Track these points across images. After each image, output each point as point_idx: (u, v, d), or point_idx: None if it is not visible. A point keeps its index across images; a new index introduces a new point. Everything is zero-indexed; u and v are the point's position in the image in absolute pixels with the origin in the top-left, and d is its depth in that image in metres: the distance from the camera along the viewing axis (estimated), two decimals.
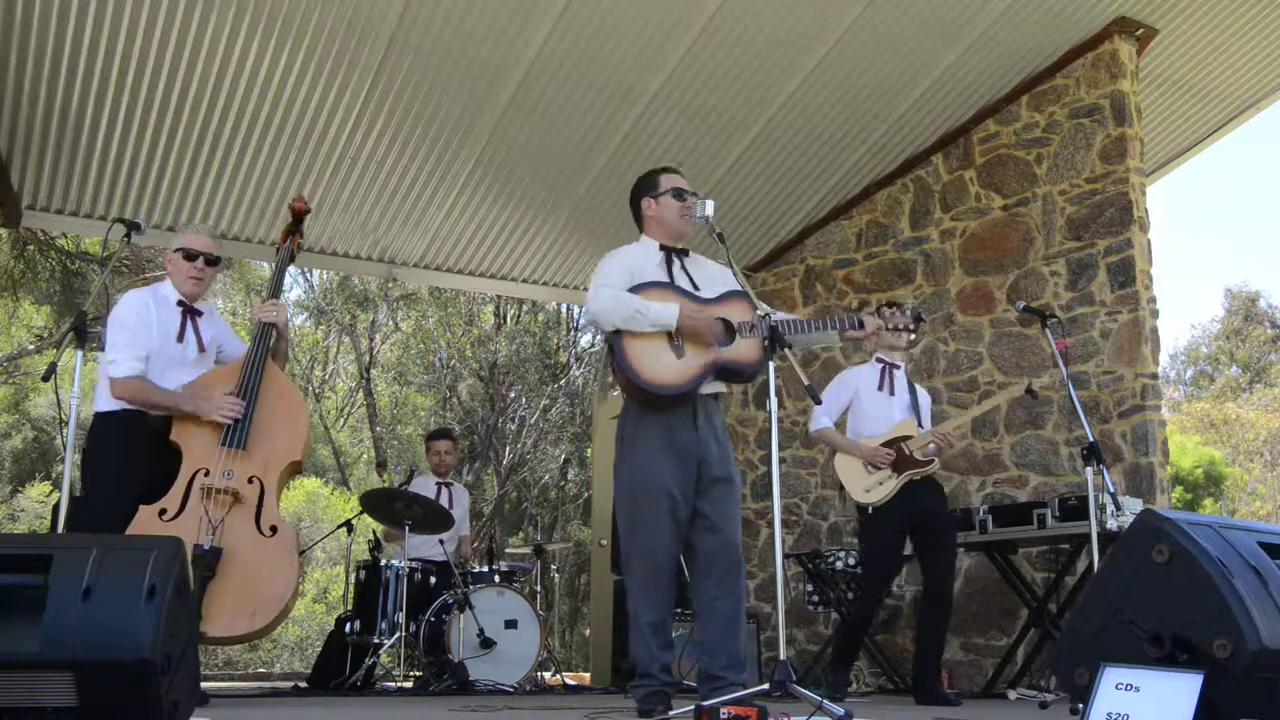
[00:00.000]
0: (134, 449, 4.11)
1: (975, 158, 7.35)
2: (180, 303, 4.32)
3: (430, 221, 7.77)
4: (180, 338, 4.28)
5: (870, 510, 5.25)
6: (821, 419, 5.44)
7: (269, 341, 4.36)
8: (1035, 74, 7.00)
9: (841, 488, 5.45)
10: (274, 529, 4.11)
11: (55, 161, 6.76)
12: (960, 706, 4.99)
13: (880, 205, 7.84)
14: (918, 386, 5.61)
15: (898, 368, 5.48)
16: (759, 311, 3.66)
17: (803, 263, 8.25)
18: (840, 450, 5.45)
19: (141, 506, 4.00)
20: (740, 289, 3.87)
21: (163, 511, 4.00)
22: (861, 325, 3.92)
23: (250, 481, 4.13)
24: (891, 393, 5.43)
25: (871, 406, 5.40)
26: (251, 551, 4.03)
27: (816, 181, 7.79)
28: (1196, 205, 50.33)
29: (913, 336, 5.28)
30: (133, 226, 4.22)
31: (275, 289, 4.85)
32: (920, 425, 5.39)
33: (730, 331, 3.80)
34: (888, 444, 5.31)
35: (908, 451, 5.27)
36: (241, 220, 7.48)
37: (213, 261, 4.39)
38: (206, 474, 4.08)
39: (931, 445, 5.28)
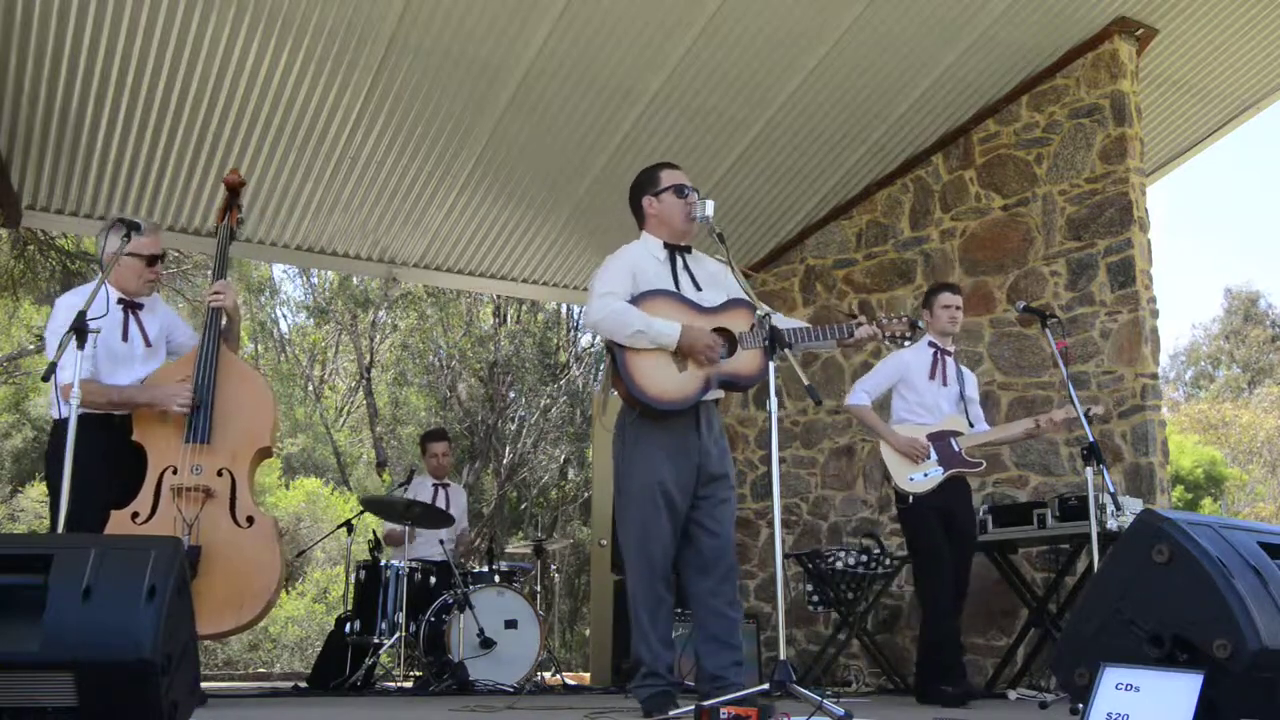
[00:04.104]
0: (94, 452, 3.96)
1: (975, 158, 7.35)
2: (121, 300, 4.23)
3: (430, 221, 7.77)
4: (125, 336, 4.21)
5: (911, 500, 5.10)
6: (861, 395, 5.26)
7: (219, 328, 4.26)
8: (1035, 74, 7.00)
9: (886, 471, 5.24)
10: (250, 519, 4.09)
11: (55, 161, 6.76)
12: (967, 707, 4.95)
13: (880, 205, 7.84)
14: (965, 372, 5.47)
15: (949, 354, 5.34)
16: (759, 311, 3.63)
17: (803, 263, 8.25)
18: (873, 432, 5.31)
19: (113, 512, 3.95)
20: (741, 297, 3.85)
21: (135, 515, 3.97)
22: (852, 334, 3.84)
23: (220, 474, 4.09)
24: (944, 382, 5.27)
25: (923, 393, 5.24)
26: (231, 545, 4.01)
27: (816, 181, 7.79)
28: (1196, 205, 50.34)
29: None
30: (133, 226, 4.20)
31: (220, 270, 4.53)
32: (970, 423, 5.27)
33: (732, 341, 3.79)
34: (936, 435, 5.18)
35: (957, 448, 5.16)
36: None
37: (162, 258, 4.38)
38: (174, 472, 4.03)
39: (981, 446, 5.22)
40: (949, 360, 5.32)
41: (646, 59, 6.48)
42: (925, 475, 5.11)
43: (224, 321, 4.29)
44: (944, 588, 5.09)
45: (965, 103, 7.21)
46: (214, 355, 4.19)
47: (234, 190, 4.63)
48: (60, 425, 4.05)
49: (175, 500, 3.98)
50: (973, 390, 5.44)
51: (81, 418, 3.90)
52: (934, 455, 5.14)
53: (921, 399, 5.25)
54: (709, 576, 3.75)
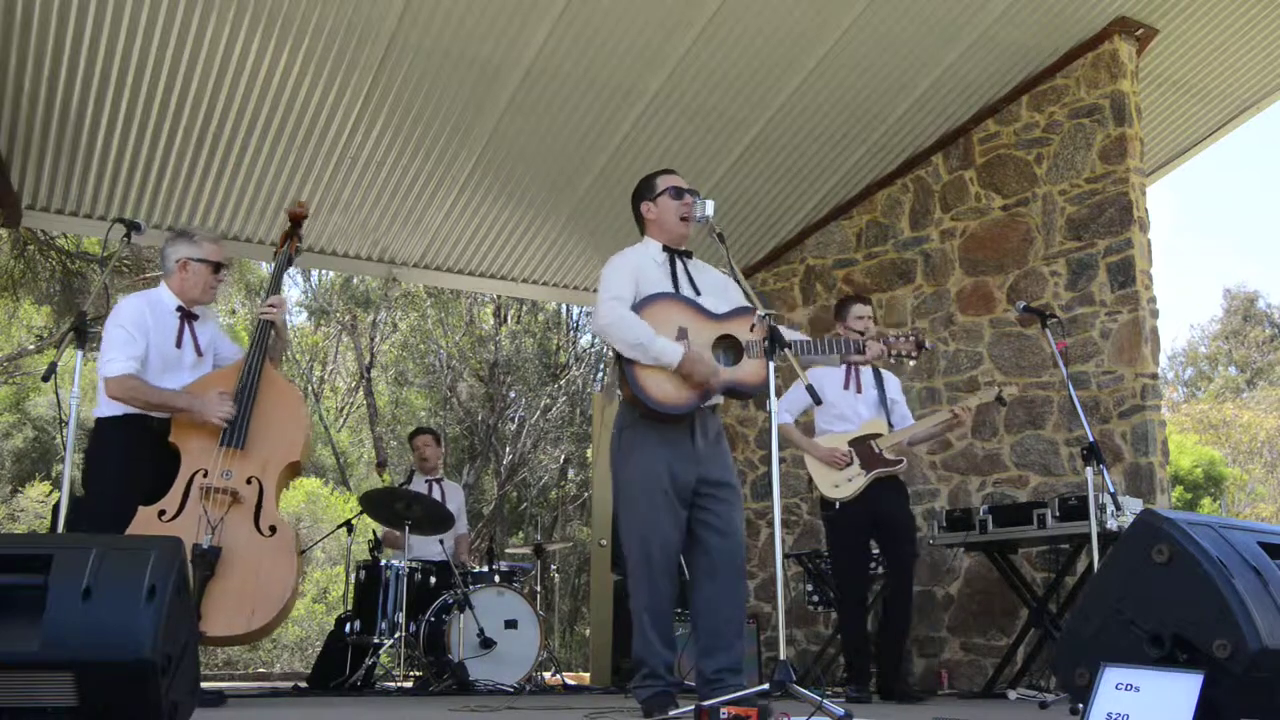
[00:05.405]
0: (135, 451, 4.12)
1: (975, 158, 7.35)
2: (180, 308, 4.33)
3: (430, 221, 7.76)
4: (179, 343, 4.29)
5: (836, 506, 5.30)
6: (783, 414, 5.40)
7: (267, 341, 4.36)
8: (1035, 74, 7.00)
9: (811, 481, 5.50)
10: (273, 529, 4.12)
11: (55, 161, 6.75)
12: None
13: (880, 205, 7.84)
14: (885, 374, 5.61)
15: (864, 364, 5.47)
16: (760, 312, 3.64)
17: (803, 263, 8.25)
18: (797, 448, 5.53)
19: (141, 507, 4.01)
20: (748, 306, 3.86)
21: (162, 512, 4.02)
22: (862, 351, 3.94)
23: (249, 482, 4.14)
24: (858, 390, 5.46)
25: (839, 403, 5.41)
26: (250, 551, 4.04)
27: (816, 181, 7.79)
28: (1196, 205, 50.36)
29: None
30: (133, 226, 4.24)
31: (275, 287, 4.81)
32: (891, 424, 5.41)
33: (738, 349, 3.81)
34: (857, 441, 5.34)
35: (877, 450, 5.31)
36: (241, 220, 7.48)
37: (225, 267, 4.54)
38: (205, 474, 4.09)
39: (902, 444, 5.37)
40: (864, 370, 5.48)
41: (646, 59, 6.48)
42: (850, 481, 5.30)
43: (272, 336, 4.37)
44: (852, 595, 5.39)
45: (965, 103, 7.21)
46: (259, 366, 4.28)
47: (297, 221, 4.75)
48: (102, 422, 4.17)
49: (202, 500, 4.03)
50: (895, 392, 5.60)
51: (119, 417, 4.11)
52: (856, 461, 5.32)
53: (838, 409, 5.43)
54: (714, 579, 3.75)
